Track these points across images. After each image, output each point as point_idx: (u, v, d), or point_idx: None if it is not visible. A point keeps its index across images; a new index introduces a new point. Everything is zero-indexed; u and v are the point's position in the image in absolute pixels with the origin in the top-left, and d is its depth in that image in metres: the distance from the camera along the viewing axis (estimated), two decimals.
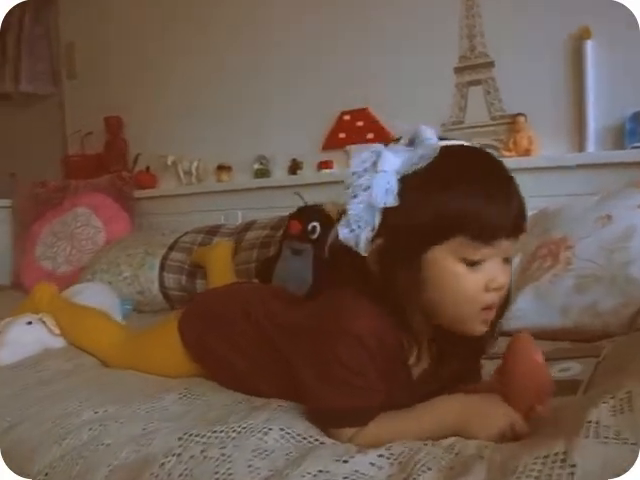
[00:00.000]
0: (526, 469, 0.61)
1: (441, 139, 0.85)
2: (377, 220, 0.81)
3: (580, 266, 1.26)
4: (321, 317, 0.91)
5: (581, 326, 1.24)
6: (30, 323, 1.40)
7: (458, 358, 0.91)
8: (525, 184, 1.60)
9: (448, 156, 0.81)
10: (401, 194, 0.80)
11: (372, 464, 0.73)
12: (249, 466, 0.75)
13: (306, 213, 1.64)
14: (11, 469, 0.93)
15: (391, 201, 0.80)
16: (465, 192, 0.79)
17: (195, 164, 2.39)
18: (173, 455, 0.80)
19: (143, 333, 1.34)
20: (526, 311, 1.26)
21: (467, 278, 0.82)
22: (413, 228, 0.81)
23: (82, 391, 1.13)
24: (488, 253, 0.81)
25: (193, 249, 1.97)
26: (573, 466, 0.59)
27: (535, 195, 1.60)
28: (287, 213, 1.93)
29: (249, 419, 0.89)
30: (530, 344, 0.84)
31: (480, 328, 0.85)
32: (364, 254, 0.83)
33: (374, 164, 0.83)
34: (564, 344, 1.24)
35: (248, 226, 1.99)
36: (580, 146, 1.65)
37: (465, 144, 0.87)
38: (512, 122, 1.74)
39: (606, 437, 0.62)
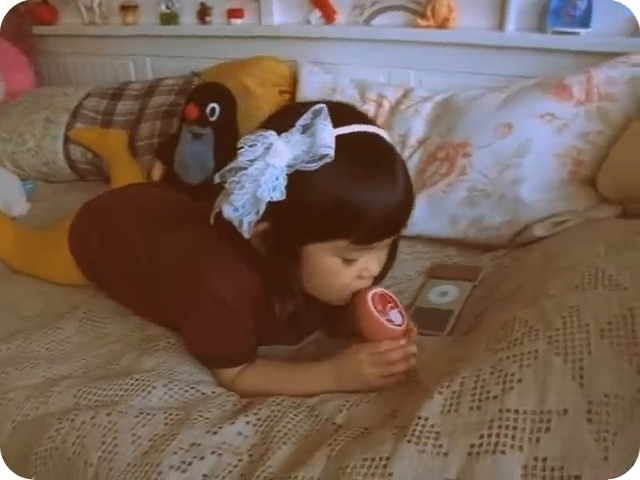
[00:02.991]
0: (353, 472, 0.73)
1: (336, 113, 0.82)
2: (262, 209, 0.82)
3: (473, 178, 1.33)
4: (191, 269, 0.96)
5: (468, 237, 1.35)
6: None
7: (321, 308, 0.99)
8: (440, 59, 1.63)
9: (341, 152, 0.80)
10: (289, 188, 0.81)
11: (239, 433, 0.87)
12: (132, 435, 0.87)
13: (204, 93, 1.61)
14: None
15: (278, 196, 0.81)
16: (353, 198, 0.81)
17: (97, 0, 2.23)
18: (67, 420, 0.91)
19: (40, 240, 1.38)
20: (419, 218, 1.34)
21: (340, 272, 0.89)
22: (296, 224, 0.84)
23: None
24: (365, 253, 0.88)
25: (97, 120, 1.93)
26: (390, 475, 0.72)
27: (450, 70, 1.65)
28: (197, 64, 1.99)
29: (137, 369, 1.02)
30: (365, 302, 0.91)
31: (345, 302, 0.94)
32: (247, 236, 0.86)
33: (265, 151, 0.81)
34: (451, 251, 1.36)
35: (153, 88, 1.94)
36: (500, 22, 1.61)
37: (361, 131, 0.85)
38: None
39: (425, 443, 0.74)
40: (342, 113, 0.85)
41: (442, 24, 1.65)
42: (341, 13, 1.83)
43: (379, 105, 1.59)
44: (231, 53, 1.94)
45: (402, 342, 0.92)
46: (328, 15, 1.82)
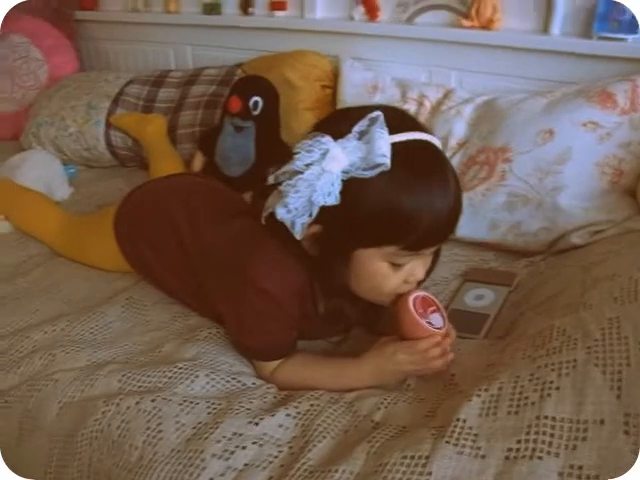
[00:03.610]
0: (393, 469, 0.76)
1: (391, 120, 0.84)
2: (315, 212, 0.85)
3: (513, 184, 1.35)
4: (239, 262, 1.01)
5: (505, 242, 1.37)
6: None
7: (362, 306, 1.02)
8: (482, 60, 1.64)
9: (396, 160, 0.82)
10: (343, 193, 0.84)
11: (280, 425, 0.90)
12: (176, 422, 0.91)
13: (247, 86, 1.63)
14: None
15: (332, 201, 0.84)
16: (407, 206, 0.84)
17: None
18: (113, 404, 0.96)
19: (83, 226, 1.43)
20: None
21: (388, 277, 0.92)
22: (348, 229, 0.88)
23: (32, 300, 1.27)
24: (413, 258, 0.92)
25: (138, 105, 1.97)
26: (429, 474, 0.75)
27: (492, 72, 1.66)
28: (237, 55, 2.04)
29: (180, 357, 1.06)
30: (406, 305, 0.93)
31: (388, 303, 0.98)
32: (298, 237, 0.89)
33: (321, 156, 0.84)
34: (488, 255, 1.39)
35: (194, 77, 1.98)
36: (546, 25, 1.61)
37: (415, 139, 0.87)
38: None
39: (463, 445, 0.77)
40: (397, 120, 0.87)
41: (486, 25, 1.66)
42: (384, 10, 1.84)
43: (420, 104, 1.61)
44: (272, 45, 1.98)
45: (438, 339, 0.94)
46: (371, 12, 1.84)
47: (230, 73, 1.93)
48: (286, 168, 0.87)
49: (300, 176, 0.85)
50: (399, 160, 0.83)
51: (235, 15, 2.14)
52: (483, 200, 1.37)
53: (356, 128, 0.85)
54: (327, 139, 0.84)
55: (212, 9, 2.15)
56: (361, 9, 1.86)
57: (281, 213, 0.87)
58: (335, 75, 1.82)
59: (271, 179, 0.91)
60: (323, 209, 0.85)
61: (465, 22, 1.68)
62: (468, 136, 1.50)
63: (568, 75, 1.55)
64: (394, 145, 0.83)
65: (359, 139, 0.84)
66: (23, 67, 2.23)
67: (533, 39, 1.61)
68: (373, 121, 0.84)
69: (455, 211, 0.90)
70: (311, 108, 1.77)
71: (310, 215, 0.86)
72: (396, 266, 0.91)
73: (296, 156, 0.85)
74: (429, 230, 0.87)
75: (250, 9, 2.08)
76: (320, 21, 1.96)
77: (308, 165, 0.85)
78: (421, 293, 0.97)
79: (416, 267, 0.93)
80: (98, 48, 2.52)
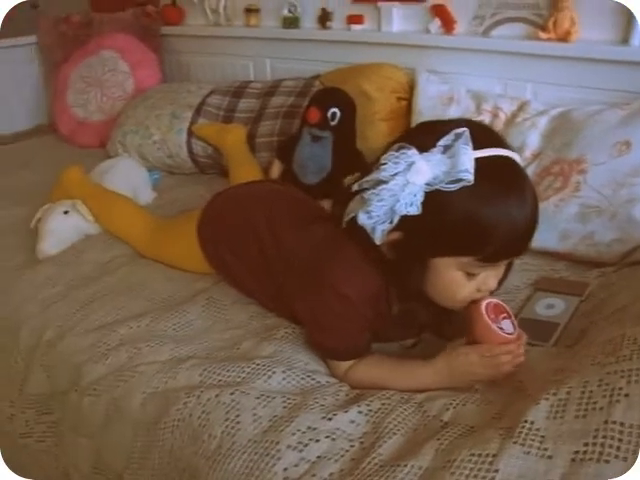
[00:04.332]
0: (461, 465, 0.80)
1: (475, 135, 0.88)
2: (396, 220, 0.91)
3: (587, 195, 1.36)
4: (319, 266, 1.07)
5: (577, 252, 1.38)
6: (66, 212, 1.58)
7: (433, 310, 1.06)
8: (559, 73, 1.65)
9: (478, 175, 0.86)
10: (424, 204, 0.89)
11: (352, 421, 0.95)
12: (254, 414, 0.98)
13: (326, 98, 1.69)
14: (60, 379, 1.21)
15: (414, 211, 0.89)
16: (486, 220, 0.88)
17: (222, 2, 2.39)
18: (194, 395, 1.03)
19: (167, 229, 1.51)
20: None
21: (462, 285, 0.96)
22: (428, 238, 0.92)
23: (118, 297, 1.37)
24: (487, 269, 0.96)
25: (219, 116, 2.07)
26: (496, 471, 0.78)
27: (568, 85, 1.67)
28: (314, 67, 2.11)
29: (257, 354, 1.12)
30: (479, 311, 0.97)
31: (460, 309, 1.01)
32: (378, 243, 0.94)
33: (406, 168, 0.89)
34: (559, 265, 1.40)
35: (274, 89, 2.06)
36: (625, 36, 1.61)
37: (498, 155, 0.91)
38: None
39: (530, 445, 0.80)
40: (481, 136, 0.91)
41: (563, 37, 1.67)
42: (461, 23, 1.88)
43: (494, 116, 1.63)
44: (349, 58, 2.04)
45: (511, 347, 0.97)
46: (448, 25, 1.88)
47: (308, 85, 2.00)
48: (371, 177, 0.93)
49: (384, 186, 0.90)
50: (481, 175, 0.87)
51: (313, 29, 2.22)
52: (556, 211, 1.39)
53: (441, 142, 0.90)
54: (413, 152, 0.89)
55: (291, 23, 2.23)
56: (437, 22, 1.90)
57: (363, 219, 0.93)
58: (410, 87, 1.86)
59: (355, 187, 0.96)
60: (404, 217, 0.90)
61: (542, 34, 1.69)
62: (542, 147, 1.52)
63: None
64: (477, 160, 0.88)
65: (443, 153, 0.89)
66: (111, 79, 2.38)
67: (613, 50, 1.61)
68: (458, 136, 0.89)
69: (531, 225, 0.94)
70: (386, 119, 1.82)
71: (391, 222, 0.91)
72: (470, 275, 0.95)
73: (383, 166, 0.91)
74: (506, 242, 0.91)
75: (328, 23, 2.15)
76: (397, 34, 2.00)
77: (393, 175, 0.90)
78: (493, 300, 1.00)
79: (489, 277, 0.97)
80: (180, 61, 2.64)
